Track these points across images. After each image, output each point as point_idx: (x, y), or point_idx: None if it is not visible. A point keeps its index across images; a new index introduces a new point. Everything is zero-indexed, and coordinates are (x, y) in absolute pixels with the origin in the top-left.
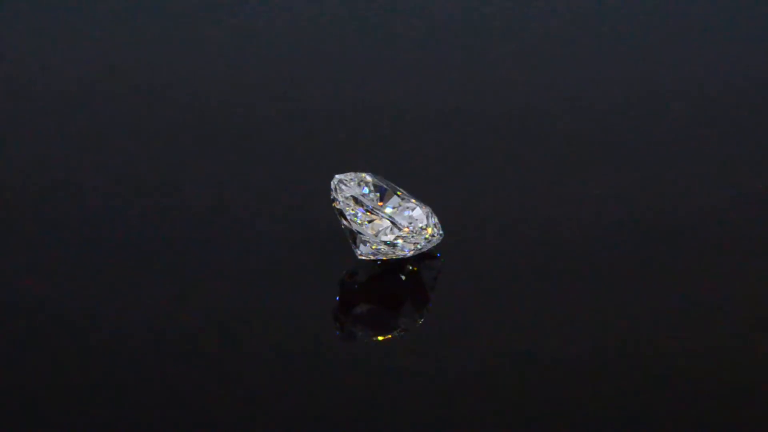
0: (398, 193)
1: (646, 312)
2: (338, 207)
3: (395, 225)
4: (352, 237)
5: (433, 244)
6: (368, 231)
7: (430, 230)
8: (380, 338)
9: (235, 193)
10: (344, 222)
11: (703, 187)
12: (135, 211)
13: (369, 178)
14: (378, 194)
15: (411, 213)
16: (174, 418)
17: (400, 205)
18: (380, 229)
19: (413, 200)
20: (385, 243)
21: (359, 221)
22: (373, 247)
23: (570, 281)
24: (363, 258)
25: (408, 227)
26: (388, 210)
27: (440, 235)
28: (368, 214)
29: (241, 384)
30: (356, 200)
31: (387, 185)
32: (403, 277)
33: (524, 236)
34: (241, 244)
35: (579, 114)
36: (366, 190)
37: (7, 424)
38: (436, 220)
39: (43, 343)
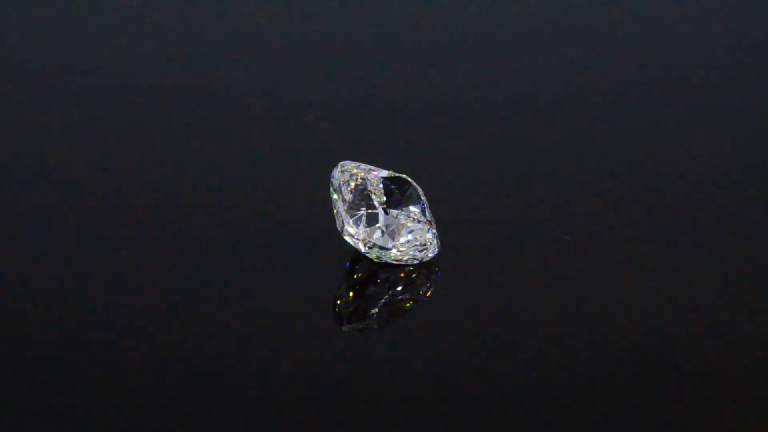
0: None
1: (653, 321)
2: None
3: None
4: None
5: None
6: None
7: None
8: (379, 330)
9: (233, 190)
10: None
11: (702, 183)
12: (131, 208)
13: (358, 181)
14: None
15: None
16: (172, 417)
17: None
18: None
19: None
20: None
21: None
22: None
23: (569, 284)
24: (348, 239)
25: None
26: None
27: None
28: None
29: (240, 382)
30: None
31: (378, 192)
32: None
33: (524, 238)
34: (239, 242)
35: (587, 117)
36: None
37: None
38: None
39: (43, 344)
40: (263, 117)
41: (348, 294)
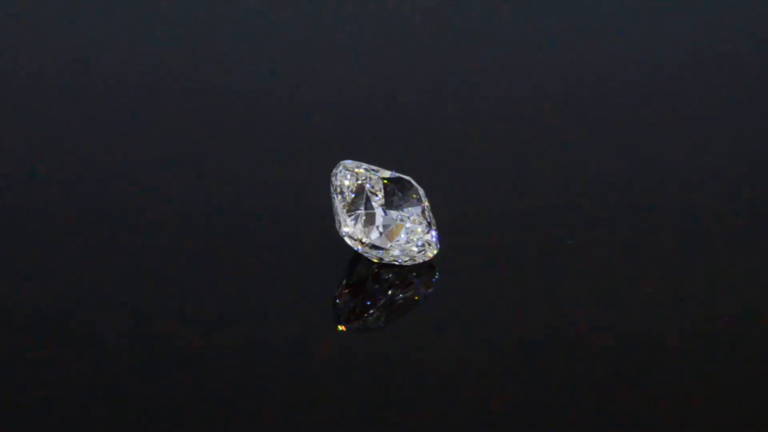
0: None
1: (652, 323)
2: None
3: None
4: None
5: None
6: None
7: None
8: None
9: (234, 189)
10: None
11: (701, 181)
12: (131, 207)
13: (361, 179)
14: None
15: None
16: (169, 416)
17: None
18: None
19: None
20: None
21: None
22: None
23: (569, 284)
24: (346, 239)
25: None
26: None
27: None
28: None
29: (238, 381)
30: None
31: (377, 192)
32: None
33: (523, 239)
34: (239, 241)
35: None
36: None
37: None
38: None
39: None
40: (265, 116)
41: (347, 294)
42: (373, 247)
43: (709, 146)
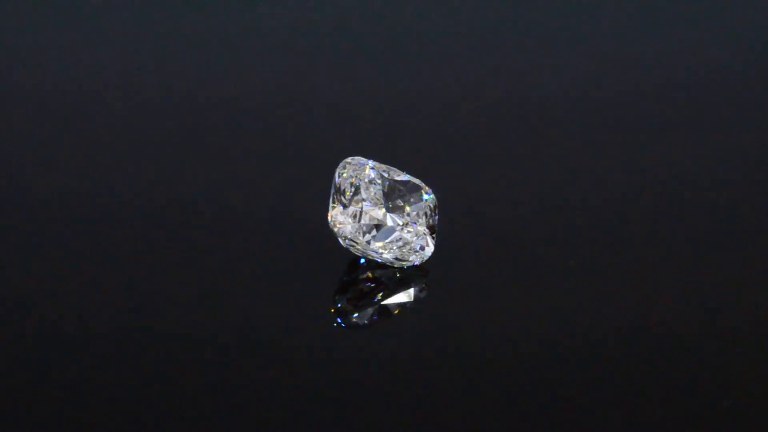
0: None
1: (650, 328)
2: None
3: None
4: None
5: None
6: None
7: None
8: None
9: (232, 189)
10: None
11: (704, 188)
12: (127, 207)
13: (367, 179)
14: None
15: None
16: (167, 417)
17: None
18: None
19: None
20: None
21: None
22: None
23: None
24: (341, 240)
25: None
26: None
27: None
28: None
29: (234, 380)
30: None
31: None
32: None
33: (520, 244)
34: (236, 240)
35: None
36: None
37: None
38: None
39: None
40: (272, 115)
41: (342, 294)
42: (364, 246)
43: (712, 152)
